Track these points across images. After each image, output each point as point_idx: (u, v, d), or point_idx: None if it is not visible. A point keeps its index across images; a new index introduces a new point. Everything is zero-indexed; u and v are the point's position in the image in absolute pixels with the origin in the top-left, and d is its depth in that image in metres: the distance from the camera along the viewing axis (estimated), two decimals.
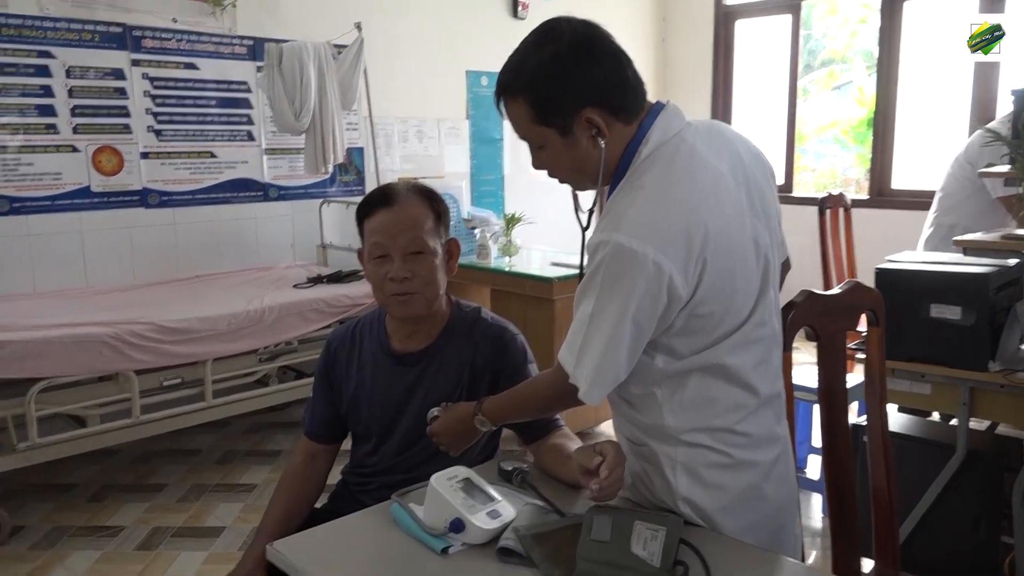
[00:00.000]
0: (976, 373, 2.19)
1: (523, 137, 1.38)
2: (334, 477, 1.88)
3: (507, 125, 1.47)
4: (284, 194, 4.66)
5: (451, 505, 1.33)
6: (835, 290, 1.64)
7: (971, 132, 4.25)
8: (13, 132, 3.71)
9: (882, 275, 2.29)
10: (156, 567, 2.82)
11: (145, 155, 4.11)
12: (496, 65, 1.38)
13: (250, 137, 4.50)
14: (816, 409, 2.81)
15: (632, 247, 1.22)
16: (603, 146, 1.32)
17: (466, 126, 5.51)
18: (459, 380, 1.70)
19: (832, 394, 1.62)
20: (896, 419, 2.64)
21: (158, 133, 4.15)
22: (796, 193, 6.08)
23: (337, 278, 4.10)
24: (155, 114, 4.13)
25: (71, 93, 3.85)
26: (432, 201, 1.71)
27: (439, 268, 1.69)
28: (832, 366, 1.61)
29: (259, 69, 4.37)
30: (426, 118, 5.27)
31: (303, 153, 4.47)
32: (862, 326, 1.69)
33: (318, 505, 1.83)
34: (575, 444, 1.61)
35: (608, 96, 1.30)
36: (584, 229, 1.42)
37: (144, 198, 4.12)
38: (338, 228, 4.72)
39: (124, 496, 3.40)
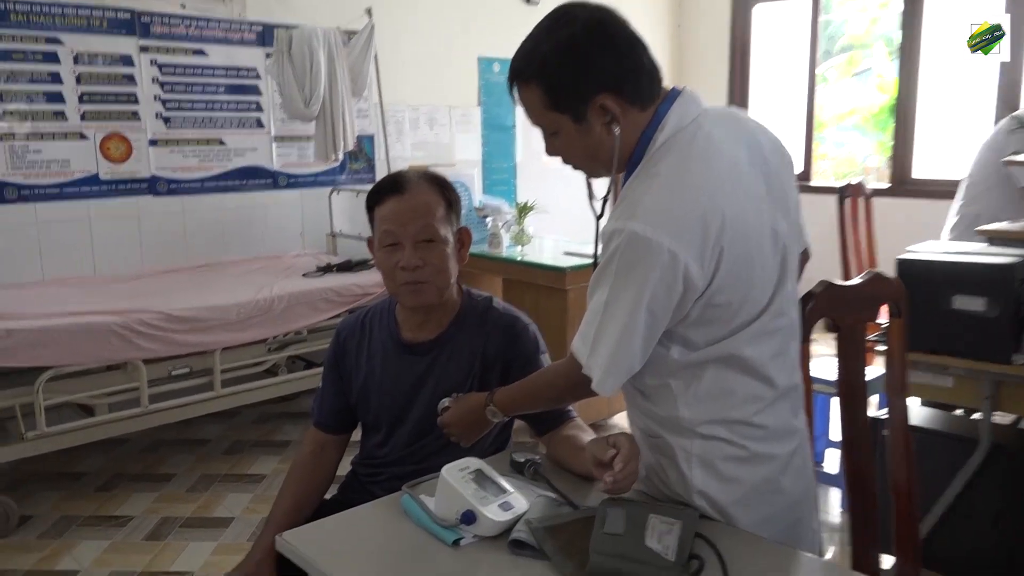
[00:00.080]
0: (1000, 366, 2.17)
1: (536, 123, 1.37)
2: (344, 468, 1.89)
3: (520, 112, 1.46)
4: (293, 182, 4.67)
5: (462, 497, 1.33)
6: (855, 280, 1.63)
7: (998, 120, 4.20)
8: (21, 119, 3.72)
9: (904, 265, 2.27)
10: (164, 557, 2.84)
11: (154, 142, 4.12)
12: (509, 51, 1.38)
13: (259, 124, 4.51)
14: (835, 402, 2.79)
15: (647, 235, 1.21)
16: (618, 133, 1.31)
17: (478, 113, 5.50)
18: (470, 370, 1.70)
19: (851, 386, 1.60)
20: (917, 412, 2.62)
21: (166, 120, 4.16)
22: (815, 182, 6.05)
23: (347, 267, 4.11)
24: (163, 101, 4.14)
25: (79, 80, 3.86)
26: (443, 189, 1.70)
27: (450, 257, 1.69)
28: (852, 358, 1.60)
29: (268, 55, 4.37)
30: (437, 105, 5.26)
31: (313, 140, 4.47)
32: (882, 317, 1.68)
33: (328, 496, 1.84)
34: (588, 436, 1.61)
35: (623, 82, 1.29)
36: (598, 217, 1.41)
37: (153, 186, 4.14)
38: (348, 216, 4.73)
39: (132, 486, 3.43)
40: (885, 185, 5.61)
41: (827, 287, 1.55)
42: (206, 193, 4.32)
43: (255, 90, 4.47)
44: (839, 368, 1.61)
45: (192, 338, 3.35)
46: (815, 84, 5.98)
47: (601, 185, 1.43)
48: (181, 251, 4.26)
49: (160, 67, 4.11)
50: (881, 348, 1.77)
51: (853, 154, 7.30)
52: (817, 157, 6.26)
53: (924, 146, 5.52)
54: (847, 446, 1.61)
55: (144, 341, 3.21)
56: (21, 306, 3.22)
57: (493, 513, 1.33)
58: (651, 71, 1.32)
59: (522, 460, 1.55)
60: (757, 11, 6.30)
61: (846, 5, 7.03)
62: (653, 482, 1.43)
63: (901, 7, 5.46)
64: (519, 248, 4.22)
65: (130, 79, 4.03)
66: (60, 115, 3.83)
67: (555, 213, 4.71)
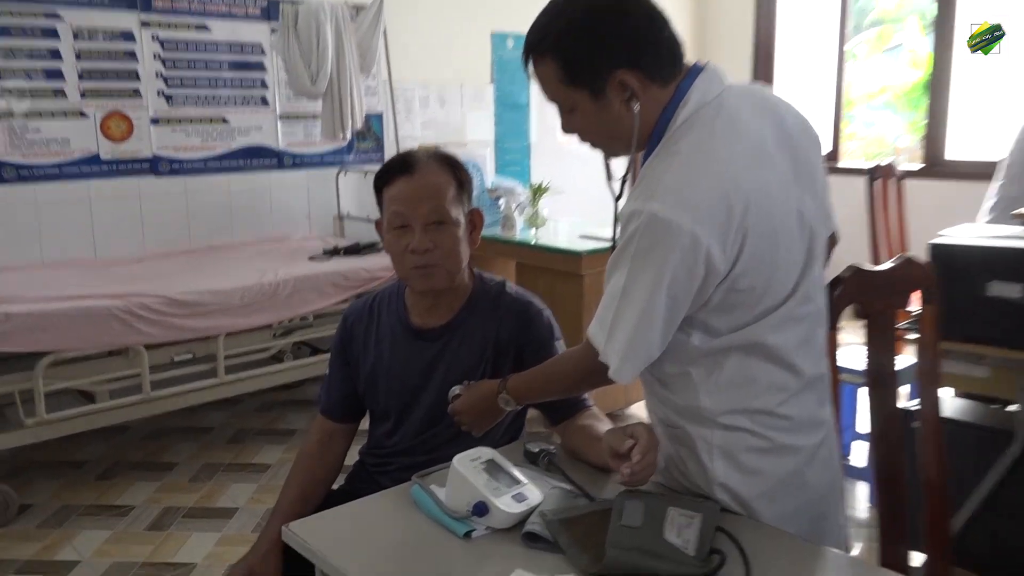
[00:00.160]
0: None
1: (552, 100, 1.37)
2: (351, 458, 1.89)
3: (534, 90, 1.46)
4: (299, 162, 4.67)
5: (474, 487, 1.34)
6: (885, 265, 1.62)
7: None
8: (20, 97, 3.73)
9: (937, 250, 2.25)
10: (166, 548, 2.87)
11: (155, 121, 4.13)
12: (523, 27, 1.37)
13: (264, 102, 4.50)
14: (863, 392, 2.78)
15: (667, 217, 1.20)
16: (637, 110, 1.30)
17: (491, 91, 5.48)
18: (482, 356, 1.70)
19: (881, 376, 1.59)
20: (949, 404, 2.60)
21: (169, 98, 4.16)
22: (843, 163, 6.00)
23: (355, 250, 4.12)
24: (165, 78, 4.14)
25: (79, 56, 3.87)
26: (454, 169, 1.70)
27: (462, 239, 1.68)
28: (881, 346, 1.59)
29: (274, 31, 4.36)
30: (448, 83, 5.25)
31: (319, 119, 4.47)
32: (913, 304, 1.67)
33: (335, 487, 1.85)
34: (605, 426, 1.61)
35: (643, 56, 1.28)
36: (616, 198, 1.41)
37: (154, 166, 4.15)
38: (356, 198, 4.74)
39: (134, 474, 3.46)
40: (917, 166, 5.55)
41: (856, 272, 1.54)
42: (209, 173, 4.33)
43: (260, 67, 4.46)
44: (868, 357, 1.60)
45: (195, 323, 3.37)
46: (844, 60, 5.92)
47: (620, 165, 1.42)
48: (183, 233, 4.27)
49: (162, 43, 4.11)
50: (912, 336, 1.75)
51: (883, 134, 7.24)
52: (846, 137, 6.20)
53: (959, 125, 5.46)
54: (876, 438, 1.60)
55: (146, 326, 3.23)
56: (20, 289, 3.24)
57: (506, 505, 1.33)
58: (672, 45, 1.31)
59: (536, 450, 1.55)
60: None
61: None
62: (672, 474, 1.43)
63: None
64: (533, 231, 4.22)
65: (131, 55, 4.03)
66: (60, 93, 3.84)
67: (571, 194, 4.70)
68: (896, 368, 1.62)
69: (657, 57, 1.29)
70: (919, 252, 2.00)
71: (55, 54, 3.81)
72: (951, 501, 1.71)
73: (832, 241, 1.50)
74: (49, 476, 3.44)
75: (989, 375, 2.27)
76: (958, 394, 2.78)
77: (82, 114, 3.91)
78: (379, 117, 4.93)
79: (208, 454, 3.66)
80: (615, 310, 1.27)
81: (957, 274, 2.18)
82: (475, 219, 1.74)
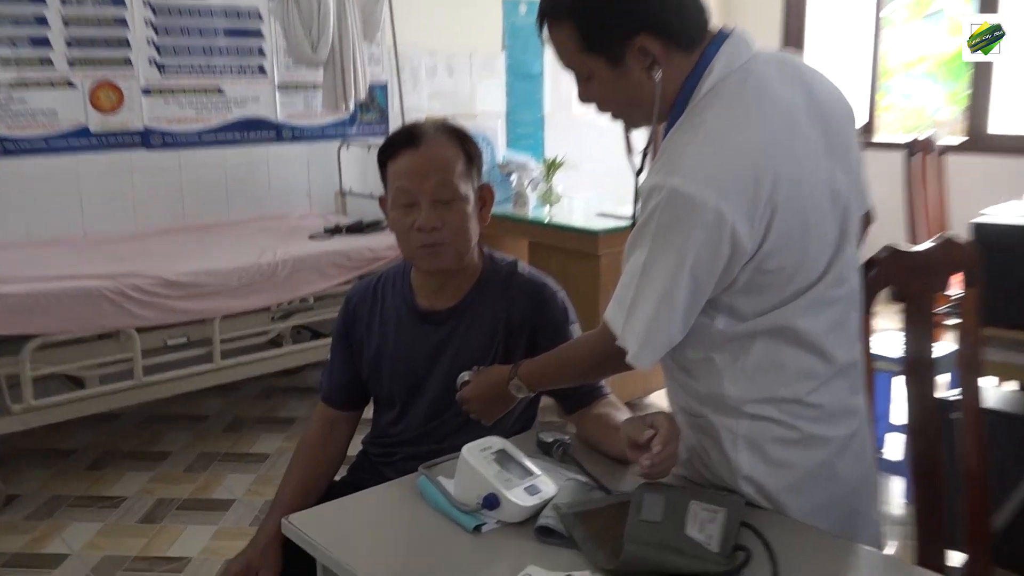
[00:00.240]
0: None
1: (568, 67, 1.36)
2: (354, 447, 1.90)
3: (549, 57, 1.45)
4: (299, 135, 4.67)
5: (485, 479, 1.34)
6: (924, 245, 1.61)
7: None
8: (5, 66, 3.74)
9: (980, 230, 2.24)
10: (160, 542, 2.89)
11: (147, 91, 4.13)
12: None
13: (262, 71, 4.50)
14: (898, 381, 2.77)
15: (690, 192, 1.20)
16: (659, 78, 1.29)
17: (502, 59, 5.45)
18: (492, 341, 1.70)
19: (918, 364, 1.59)
20: (991, 394, 2.59)
21: (161, 67, 4.16)
22: (879, 136, 5.96)
23: (357, 228, 4.12)
24: (157, 46, 4.14)
25: (66, 23, 3.87)
26: (463, 141, 1.69)
27: (471, 217, 1.68)
28: (918, 332, 1.58)
29: None
30: (457, 50, 5.23)
31: (320, 89, 4.46)
32: (954, 287, 1.66)
33: (337, 478, 1.86)
34: (623, 414, 1.61)
35: (665, 21, 1.27)
36: (637, 173, 1.40)
37: (146, 139, 4.15)
38: (359, 173, 4.74)
39: (126, 464, 3.49)
40: (959, 140, 5.51)
41: (892, 253, 1.53)
42: (204, 147, 4.34)
43: (257, 33, 4.46)
44: (904, 343, 1.59)
45: (190, 305, 3.39)
46: (880, 26, 5.87)
47: (640, 137, 1.41)
48: (177, 210, 4.28)
49: (154, 9, 4.11)
50: (952, 322, 1.75)
51: (922, 105, 7.18)
52: (882, 109, 6.16)
53: (1003, 97, 5.41)
54: (912, 430, 1.60)
55: (138, 308, 3.24)
56: (5, 269, 3.26)
57: (518, 497, 1.33)
58: (696, 9, 1.30)
59: (550, 440, 1.56)
60: None
61: None
62: (695, 466, 1.43)
63: None
64: (547, 208, 4.21)
65: (121, 22, 4.03)
66: (46, 62, 3.84)
67: (587, 170, 4.69)
68: (934, 355, 1.61)
69: (680, 21, 1.28)
70: (960, 232, 1.99)
71: (41, 21, 3.81)
72: (992, 497, 1.70)
73: (867, 219, 1.48)
74: (37, 465, 3.48)
75: None
76: (1000, 383, 2.76)
77: (70, 84, 3.92)
78: (383, 87, 4.92)
79: (204, 443, 3.69)
80: (634, 291, 1.27)
81: (1001, 255, 2.16)
82: (485, 195, 1.74)
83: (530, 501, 1.34)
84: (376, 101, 4.92)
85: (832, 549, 1.29)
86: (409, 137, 1.66)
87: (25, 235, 3.85)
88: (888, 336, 2.29)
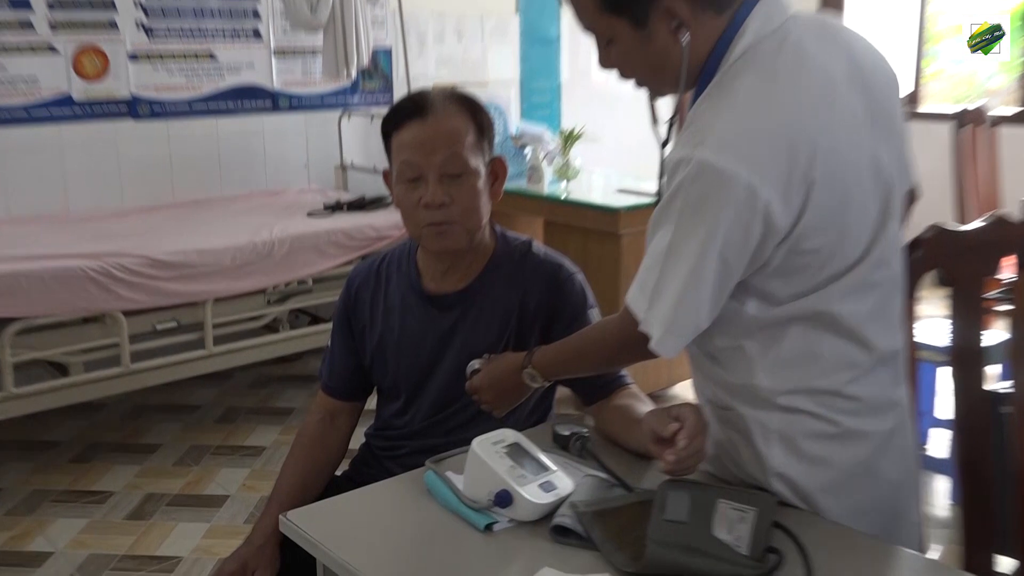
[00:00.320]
0: None
1: (588, 29, 1.35)
2: (357, 440, 1.91)
3: (567, 20, 1.45)
4: (297, 104, 4.67)
5: (496, 474, 1.34)
6: (973, 225, 1.60)
7: None
8: None
9: None
10: (149, 540, 2.92)
11: (134, 57, 4.14)
12: None
13: (257, 35, 4.50)
14: (944, 372, 2.75)
15: (720, 166, 1.19)
16: (686, 41, 1.29)
17: (515, 23, 5.43)
18: (505, 326, 1.70)
19: (966, 353, 1.58)
20: None
21: (149, 31, 4.17)
22: (926, 106, 5.94)
23: (359, 205, 4.13)
24: (145, 8, 4.14)
25: None
26: (473, 111, 1.69)
27: (482, 193, 1.68)
28: (967, 319, 1.58)
29: None
30: (467, 13, 5.21)
31: (320, 55, 4.46)
32: (1005, 271, 1.65)
33: (338, 472, 1.87)
34: (645, 406, 1.61)
35: None
36: (662, 145, 1.40)
37: (133, 108, 4.16)
38: (361, 145, 4.74)
39: (112, 457, 3.51)
40: (1012, 110, 5.47)
41: (938, 233, 1.53)
42: (195, 117, 4.34)
43: None
44: (951, 331, 1.59)
45: (180, 287, 3.40)
46: None
47: (666, 106, 1.41)
48: (166, 185, 4.30)
49: None
50: (1003, 308, 1.73)
51: (973, 73, 7.11)
52: (928, 77, 6.11)
53: None
54: (959, 425, 1.60)
55: (125, 289, 3.26)
56: None
57: (532, 494, 1.33)
58: None
59: (567, 433, 1.56)
60: None
61: None
62: (723, 461, 1.43)
63: None
64: (563, 184, 4.20)
65: None
66: (26, 24, 3.85)
67: (607, 142, 4.67)
68: (984, 344, 1.61)
69: None
70: (1013, 210, 1.97)
71: None
72: None
73: (912, 197, 1.48)
74: (18, 458, 3.50)
75: None
76: None
77: (52, 49, 3.92)
78: (388, 52, 4.91)
79: (195, 435, 3.71)
80: (659, 273, 1.27)
81: None
82: (497, 169, 1.73)
83: (545, 498, 1.34)
84: (380, 68, 4.91)
85: (871, 552, 1.29)
86: (415, 107, 1.66)
87: (4, 211, 3.87)
88: (933, 323, 2.28)
